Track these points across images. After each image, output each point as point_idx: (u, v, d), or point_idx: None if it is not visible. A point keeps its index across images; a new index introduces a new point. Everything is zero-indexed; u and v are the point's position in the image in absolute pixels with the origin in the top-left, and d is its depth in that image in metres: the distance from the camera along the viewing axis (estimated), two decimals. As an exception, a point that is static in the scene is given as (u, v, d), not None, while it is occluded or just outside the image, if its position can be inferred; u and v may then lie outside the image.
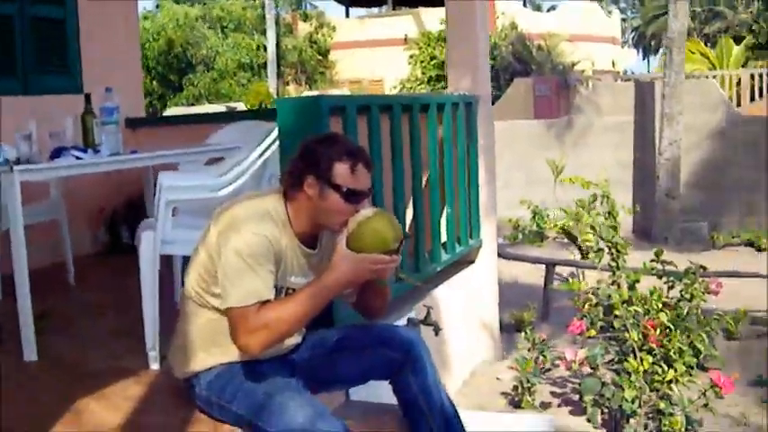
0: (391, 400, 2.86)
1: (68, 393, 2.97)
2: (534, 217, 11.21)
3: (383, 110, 4.01)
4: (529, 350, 5.15)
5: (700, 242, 11.36)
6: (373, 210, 2.51)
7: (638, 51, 46.31)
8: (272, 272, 2.42)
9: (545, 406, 4.83)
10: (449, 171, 4.92)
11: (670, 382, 4.15)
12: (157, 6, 29.91)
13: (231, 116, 7.96)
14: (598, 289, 4.47)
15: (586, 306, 4.50)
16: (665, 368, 4.16)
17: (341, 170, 2.47)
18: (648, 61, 48.84)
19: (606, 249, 4.50)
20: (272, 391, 2.45)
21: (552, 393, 5.02)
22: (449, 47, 5.72)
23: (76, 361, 3.42)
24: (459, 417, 2.82)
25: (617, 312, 4.31)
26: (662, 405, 4.13)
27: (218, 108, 18.55)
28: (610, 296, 4.34)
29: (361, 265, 2.41)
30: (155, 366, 3.24)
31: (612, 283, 4.42)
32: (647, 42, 46.17)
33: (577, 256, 8.55)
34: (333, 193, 2.47)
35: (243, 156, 3.50)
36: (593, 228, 4.58)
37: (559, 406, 4.84)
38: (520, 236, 11.23)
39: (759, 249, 10.72)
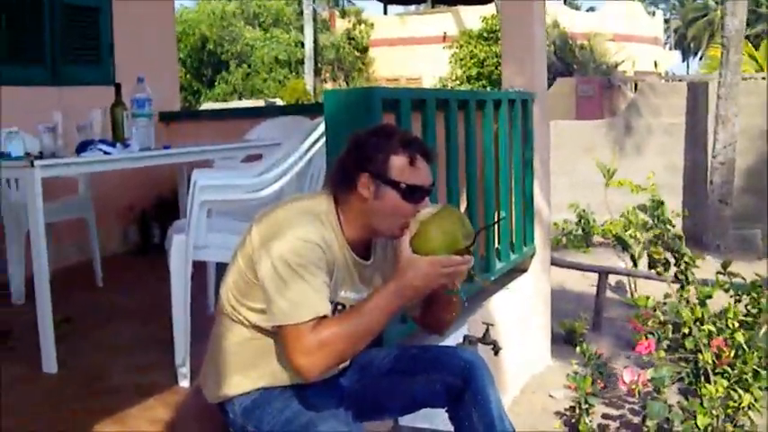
0: (445, 425, 2.52)
1: (84, 412, 2.68)
2: (580, 221, 10.83)
3: (438, 105, 3.68)
4: (585, 365, 4.77)
5: (753, 250, 10.89)
6: (436, 206, 2.18)
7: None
8: (326, 283, 2.10)
9: (602, 429, 4.46)
10: (504, 172, 4.59)
11: (746, 408, 3.78)
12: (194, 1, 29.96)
13: (270, 111, 7.62)
14: (664, 304, 4.09)
15: (650, 322, 4.12)
16: (741, 393, 3.79)
17: (398, 164, 2.16)
18: (688, 63, 48.19)
19: (673, 261, 4.13)
20: (316, 422, 2.11)
21: (606, 416, 4.64)
22: (504, 42, 5.39)
23: (97, 373, 3.12)
24: None
25: (685, 330, 3.95)
26: None
27: (256, 104, 18.28)
28: (678, 313, 3.97)
29: (431, 270, 2.07)
30: (184, 384, 2.94)
31: (681, 299, 4.04)
32: (686, 44, 45.52)
33: (628, 264, 8.21)
34: (390, 191, 2.15)
35: (284, 153, 3.19)
36: (657, 238, 4.22)
37: (618, 429, 4.47)
38: (564, 240, 10.83)
39: None
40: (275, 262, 2.06)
